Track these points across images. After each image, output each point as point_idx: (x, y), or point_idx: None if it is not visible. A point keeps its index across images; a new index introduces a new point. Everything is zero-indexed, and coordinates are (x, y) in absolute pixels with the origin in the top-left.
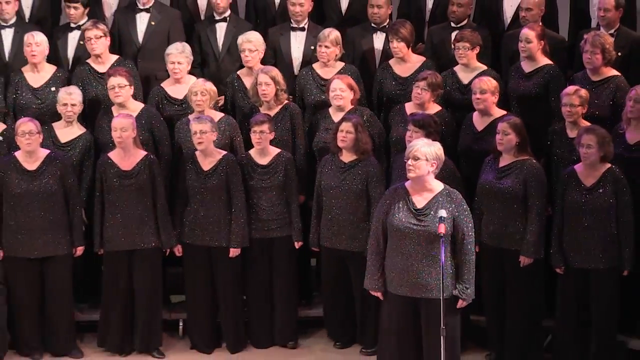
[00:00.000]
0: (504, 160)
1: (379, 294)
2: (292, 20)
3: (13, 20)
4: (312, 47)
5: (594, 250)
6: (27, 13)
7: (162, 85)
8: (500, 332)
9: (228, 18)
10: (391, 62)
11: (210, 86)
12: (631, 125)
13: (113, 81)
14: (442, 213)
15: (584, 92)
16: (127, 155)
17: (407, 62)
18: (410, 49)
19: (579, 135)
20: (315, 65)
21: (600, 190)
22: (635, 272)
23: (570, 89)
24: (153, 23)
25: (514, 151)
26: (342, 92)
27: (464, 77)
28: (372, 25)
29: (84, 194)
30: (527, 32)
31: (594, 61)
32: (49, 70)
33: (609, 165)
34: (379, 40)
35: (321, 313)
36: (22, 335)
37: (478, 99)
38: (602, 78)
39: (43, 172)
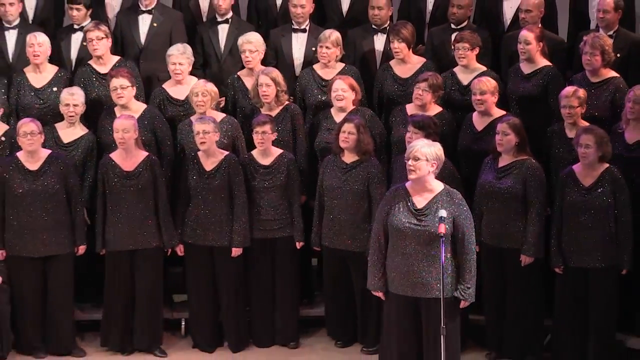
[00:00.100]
0: (504, 161)
1: (380, 294)
2: (293, 22)
3: (17, 22)
4: (313, 49)
5: (593, 250)
6: (30, 14)
7: (163, 86)
8: (501, 331)
9: (230, 20)
10: (392, 62)
11: (211, 87)
12: (630, 125)
13: (115, 82)
14: (442, 213)
15: (582, 92)
16: (128, 156)
17: (408, 63)
18: (411, 50)
19: (578, 135)
20: (316, 66)
21: (599, 190)
22: (633, 271)
23: (569, 90)
24: (155, 24)
25: (514, 151)
26: (344, 93)
27: (464, 78)
28: (373, 26)
29: (86, 194)
30: (526, 34)
31: (593, 63)
32: (50, 70)
33: (607, 165)
34: (379, 41)
35: (322, 312)
36: (25, 335)
37: (478, 99)
38: (601, 79)
39: (45, 172)
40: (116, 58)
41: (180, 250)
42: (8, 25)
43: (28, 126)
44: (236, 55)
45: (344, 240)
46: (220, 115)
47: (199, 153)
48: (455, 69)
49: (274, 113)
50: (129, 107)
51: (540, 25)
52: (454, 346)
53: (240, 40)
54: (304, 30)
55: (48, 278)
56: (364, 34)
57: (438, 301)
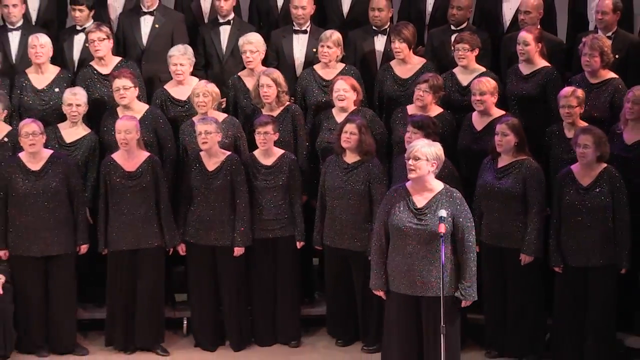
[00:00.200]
0: (503, 161)
1: (381, 293)
2: (294, 23)
3: (20, 23)
4: (314, 49)
5: (592, 249)
6: (33, 16)
7: (165, 87)
8: (501, 330)
9: (232, 21)
10: (392, 63)
11: (212, 87)
12: (629, 125)
13: (118, 83)
14: (442, 213)
15: (580, 92)
16: (130, 156)
17: (408, 64)
18: (411, 50)
19: (576, 135)
20: (317, 67)
21: (597, 190)
22: (632, 270)
23: (567, 90)
24: (157, 26)
25: (513, 151)
26: (345, 93)
27: (463, 78)
28: (373, 28)
29: (88, 194)
30: (525, 35)
31: (592, 64)
32: (52, 71)
33: (605, 165)
34: (379, 42)
35: (323, 312)
36: (28, 334)
37: (478, 100)
38: (600, 80)
39: (47, 172)
40: (117, 59)
41: (182, 249)
42: (11, 27)
43: (30, 127)
44: (237, 56)
45: (345, 240)
46: (221, 116)
47: (202, 153)
48: (455, 70)
49: (275, 113)
50: (131, 107)
51: (539, 27)
52: (454, 345)
53: (241, 40)
54: (304, 32)
55: (50, 277)
56: (364, 35)
57: (438, 300)
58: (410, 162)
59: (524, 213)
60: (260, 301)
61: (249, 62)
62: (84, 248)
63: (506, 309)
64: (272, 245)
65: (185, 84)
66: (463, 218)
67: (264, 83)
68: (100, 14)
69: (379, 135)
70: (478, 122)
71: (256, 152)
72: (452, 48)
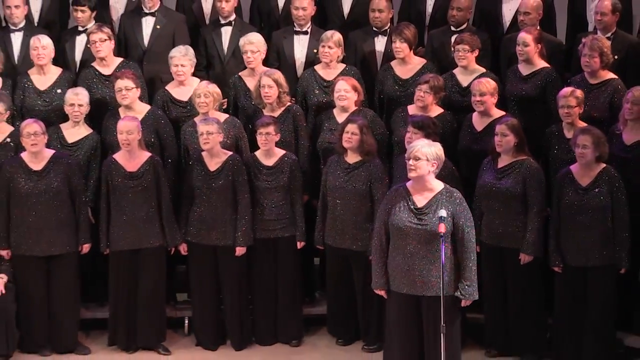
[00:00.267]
0: (503, 161)
1: (383, 292)
2: (295, 24)
3: (22, 24)
4: (315, 50)
5: (591, 249)
6: (35, 17)
7: (166, 87)
8: (501, 329)
9: (233, 22)
10: (392, 63)
11: (213, 88)
12: (628, 126)
13: (120, 84)
14: (442, 213)
15: (579, 92)
16: (132, 156)
17: (408, 64)
18: (412, 51)
19: (575, 135)
20: (318, 67)
21: (596, 190)
22: (631, 269)
23: (566, 90)
24: (158, 27)
25: (513, 152)
26: (346, 93)
27: (463, 79)
28: (374, 28)
29: (90, 194)
30: (524, 36)
31: (592, 64)
32: (55, 72)
33: (604, 165)
34: (380, 43)
35: (324, 311)
36: (31, 333)
37: (478, 100)
38: (599, 81)
39: (49, 172)
40: (119, 60)
41: (183, 249)
42: (14, 28)
43: (31, 127)
44: (239, 57)
45: (346, 240)
46: (223, 116)
47: (203, 153)
48: (455, 71)
49: (276, 114)
50: (133, 108)
51: (538, 28)
52: (455, 344)
53: (242, 40)
54: (305, 32)
55: (53, 277)
56: (364, 36)
57: (438, 299)
58: (411, 162)
59: (524, 213)
60: (262, 301)
61: (250, 62)
62: (86, 247)
63: (506, 308)
64: (273, 245)
65: (187, 84)
66: (463, 218)
67: (265, 83)
68: (102, 15)
69: (379, 136)
70: (478, 122)
71: (257, 153)
72: (452, 49)
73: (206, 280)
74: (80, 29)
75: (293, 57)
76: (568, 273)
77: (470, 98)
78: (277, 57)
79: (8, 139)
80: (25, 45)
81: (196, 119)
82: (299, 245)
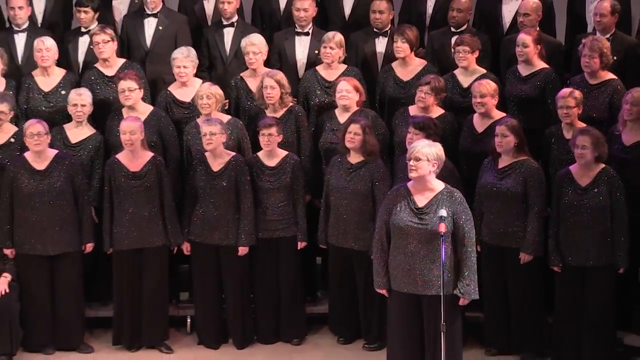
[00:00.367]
0: (503, 162)
1: (384, 292)
2: (296, 25)
3: (26, 25)
4: (316, 51)
5: (590, 249)
6: (39, 18)
7: (169, 88)
8: (501, 328)
9: (235, 23)
10: (394, 64)
11: (215, 90)
12: (627, 127)
13: (123, 84)
14: (442, 212)
15: (578, 93)
16: (135, 156)
17: (409, 65)
18: (413, 52)
19: (574, 136)
20: (319, 68)
21: (595, 190)
22: (630, 269)
23: (565, 91)
24: (161, 28)
25: (513, 152)
26: (348, 94)
27: (464, 80)
28: (375, 30)
29: (93, 194)
30: (524, 37)
31: (591, 65)
32: (58, 73)
33: (603, 165)
34: (381, 44)
35: (326, 310)
36: (34, 331)
37: (479, 102)
38: (599, 81)
39: (52, 172)
40: (122, 61)
41: (186, 249)
42: (17, 29)
43: (35, 127)
44: (241, 58)
45: (348, 239)
46: (225, 117)
47: (207, 154)
48: (456, 72)
49: (278, 114)
50: (136, 108)
51: (538, 29)
52: (456, 343)
53: (244, 42)
54: (307, 34)
55: (56, 276)
56: (365, 37)
57: (439, 298)
58: (411, 162)
59: (524, 213)
60: (263, 300)
61: (252, 63)
62: (89, 247)
63: (506, 307)
64: (275, 245)
65: (189, 85)
66: (464, 218)
67: (268, 84)
68: (105, 16)
69: (380, 136)
70: (479, 124)
71: (260, 154)
72: (453, 50)
73: (209, 279)
74: (83, 30)
75: (294, 58)
76: (567, 273)
77: (471, 99)
78: (279, 58)
79: (12, 139)
80: (28, 46)
81: (199, 120)
82: (300, 245)
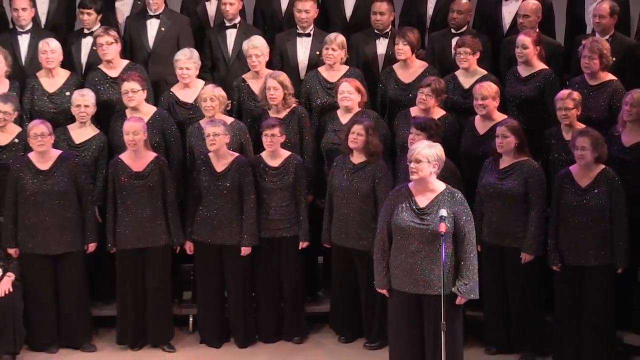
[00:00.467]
0: (504, 162)
1: (384, 291)
2: (298, 26)
3: (29, 26)
4: (318, 52)
5: (589, 249)
6: (42, 19)
7: (172, 90)
8: (501, 327)
9: (238, 24)
10: (395, 66)
11: (219, 92)
12: (627, 128)
13: (127, 86)
14: (443, 212)
15: (576, 94)
16: (138, 156)
17: (410, 68)
18: (414, 54)
19: (574, 138)
20: (321, 69)
21: (595, 191)
22: (629, 269)
23: (563, 93)
24: (163, 29)
25: (514, 153)
26: (350, 95)
27: (465, 81)
28: (375, 31)
29: (97, 193)
30: (523, 38)
31: (591, 66)
32: (63, 75)
33: (603, 166)
34: (381, 45)
35: (327, 309)
36: (38, 330)
37: (480, 104)
38: (599, 82)
39: (55, 172)
40: (125, 62)
41: (189, 248)
42: (21, 30)
43: (38, 128)
44: (243, 59)
45: (351, 239)
46: (228, 119)
47: (210, 155)
48: (457, 73)
49: (281, 115)
50: (139, 109)
51: (537, 30)
52: (457, 342)
53: (246, 45)
54: (308, 35)
55: (60, 276)
56: (366, 38)
57: (439, 298)
58: (412, 165)
59: (525, 213)
60: (265, 299)
61: (255, 66)
62: (92, 247)
63: (506, 307)
64: (277, 245)
65: (192, 86)
66: (464, 218)
67: (271, 85)
68: (108, 18)
69: (382, 137)
70: (480, 126)
71: (263, 154)
72: (454, 51)
73: (211, 278)
74: (85, 31)
75: (296, 59)
76: (567, 272)
77: (472, 100)
78: (280, 59)
79: (16, 139)
80: (32, 47)
81: (202, 121)
82: (302, 245)
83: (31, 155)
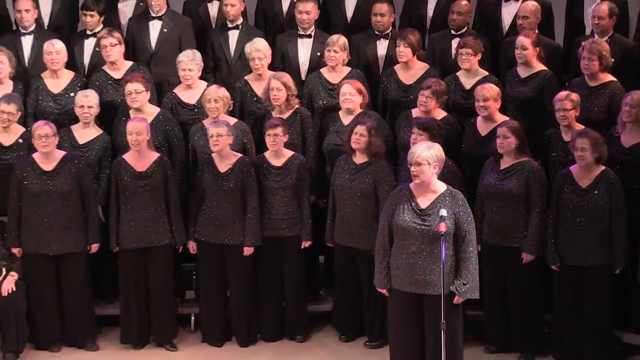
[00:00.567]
0: (505, 163)
1: (384, 291)
2: (299, 28)
3: (32, 28)
4: (319, 53)
5: (588, 249)
6: (45, 21)
7: (174, 91)
8: (501, 326)
9: (240, 26)
10: (396, 67)
11: (223, 93)
12: (626, 128)
13: (130, 87)
14: (443, 212)
15: (574, 95)
16: (141, 157)
17: (411, 69)
18: (415, 56)
19: (573, 139)
20: (323, 70)
21: (595, 192)
22: (628, 269)
23: (562, 94)
24: (165, 30)
25: (514, 153)
26: (351, 97)
27: (466, 82)
28: (376, 32)
29: (100, 193)
30: (523, 40)
31: (591, 67)
32: (67, 76)
33: (603, 167)
34: (382, 47)
35: (329, 308)
36: (41, 330)
37: (482, 106)
38: (599, 83)
39: (59, 173)
40: (129, 63)
41: (192, 248)
42: (24, 31)
43: (42, 129)
44: (245, 60)
45: (353, 239)
46: (232, 120)
47: (213, 155)
48: (458, 73)
49: (284, 116)
50: (143, 110)
51: (537, 31)
52: (457, 341)
53: (248, 48)
54: (309, 36)
55: (63, 275)
56: (367, 39)
57: (440, 298)
58: (413, 168)
59: (525, 213)
60: (268, 298)
61: (257, 68)
62: (94, 247)
63: (506, 306)
64: (279, 244)
65: (194, 87)
66: (465, 218)
67: (274, 86)
68: (111, 19)
69: (383, 138)
70: (482, 127)
71: (267, 154)
72: (455, 53)
73: (214, 278)
74: (88, 32)
75: (297, 60)
76: (566, 272)
77: (474, 100)
78: (282, 61)
79: (20, 140)
80: (35, 48)
81: (205, 122)
82: (305, 244)
83: (35, 155)
